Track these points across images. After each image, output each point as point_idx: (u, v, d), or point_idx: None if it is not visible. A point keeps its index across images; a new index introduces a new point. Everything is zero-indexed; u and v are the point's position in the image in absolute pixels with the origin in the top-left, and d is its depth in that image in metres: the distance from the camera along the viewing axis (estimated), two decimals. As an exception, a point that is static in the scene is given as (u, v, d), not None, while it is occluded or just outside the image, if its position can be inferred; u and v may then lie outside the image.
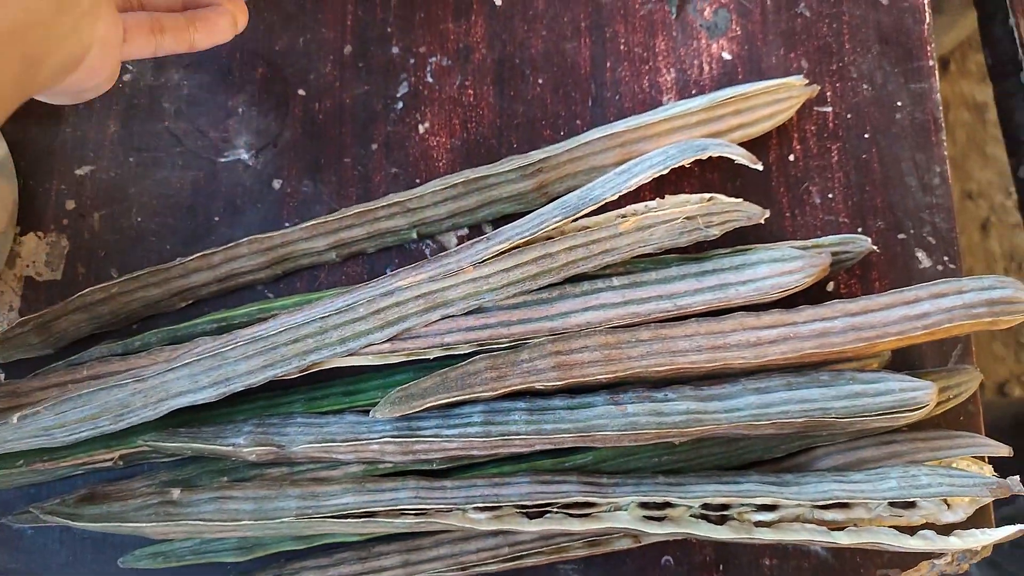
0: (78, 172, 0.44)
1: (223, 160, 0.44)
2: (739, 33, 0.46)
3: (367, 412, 0.36)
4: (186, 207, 0.43)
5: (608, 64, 0.46)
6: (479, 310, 0.37)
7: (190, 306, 0.42)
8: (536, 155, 0.42)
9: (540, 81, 0.45)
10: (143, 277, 0.41)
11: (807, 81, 0.44)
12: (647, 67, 0.46)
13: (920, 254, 0.44)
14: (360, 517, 0.35)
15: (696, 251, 0.43)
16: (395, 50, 0.45)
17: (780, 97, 0.43)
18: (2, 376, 0.42)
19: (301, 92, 0.45)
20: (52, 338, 0.40)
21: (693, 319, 0.38)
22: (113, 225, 0.43)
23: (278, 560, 0.39)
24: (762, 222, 0.40)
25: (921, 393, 0.36)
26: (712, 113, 0.42)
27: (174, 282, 0.41)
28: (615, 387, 0.38)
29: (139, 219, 0.43)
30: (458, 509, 0.35)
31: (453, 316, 0.37)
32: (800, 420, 0.35)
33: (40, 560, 0.40)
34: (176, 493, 0.35)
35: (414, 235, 0.42)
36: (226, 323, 0.39)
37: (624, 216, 0.39)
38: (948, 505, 0.38)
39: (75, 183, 0.44)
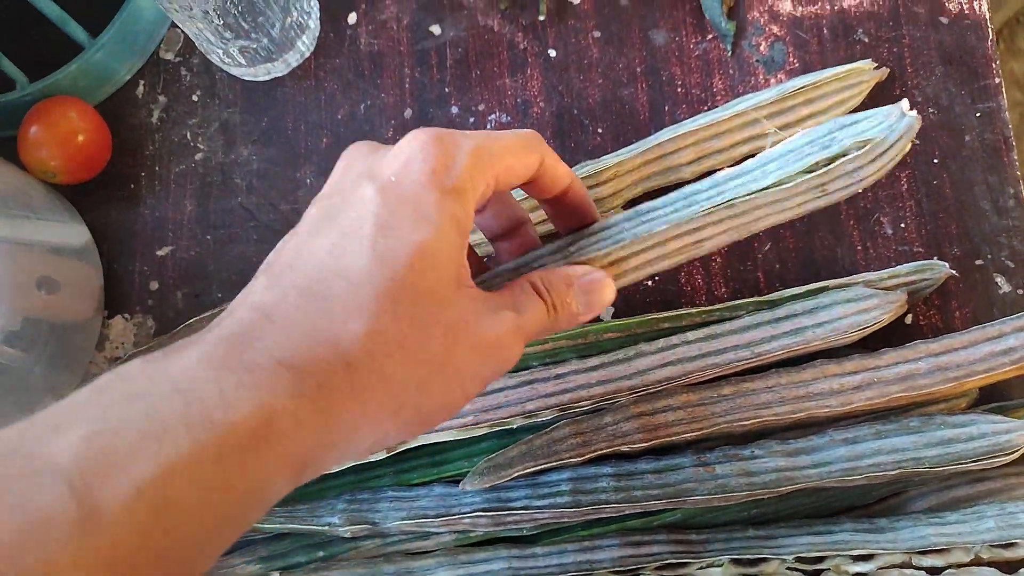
0: (159, 253, 0.45)
1: (295, 231, 0.45)
2: (797, 65, 0.46)
3: (455, 482, 0.37)
4: (263, 280, 0.44)
5: (666, 108, 0.45)
6: (557, 375, 0.38)
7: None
8: (609, 159, 0.42)
9: (600, 130, 0.45)
10: None
11: (876, 64, 0.43)
12: (706, 108, 0.45)
13: (999, 279, 0.43)
14: (456, 589, 0.35)
15: (768, 290, 0.43)
16: (455, 110, 0.46)
17: (851, 83, 0.43)
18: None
19: (365, 159, 0.46)
20: None
21: (774, 370, 0.38)
22: (196, 303, 0.45)
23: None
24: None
25: (1016, 435, 0.35)
26: (783, 104, 0.42)
27: None
28: (700, 442, 0.38)
29: (219, 295, 0.45)
30: (552, 577, 0.35)
31: (534, 382, 0.37)
32: (893, 472, 0.35)
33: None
34: (277, 576, 0.36)
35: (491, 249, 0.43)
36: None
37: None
38: (1049, 541, 0.37)
39: (157, 263, 0.45)
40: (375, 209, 0.24)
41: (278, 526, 0.37)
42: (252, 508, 0.21)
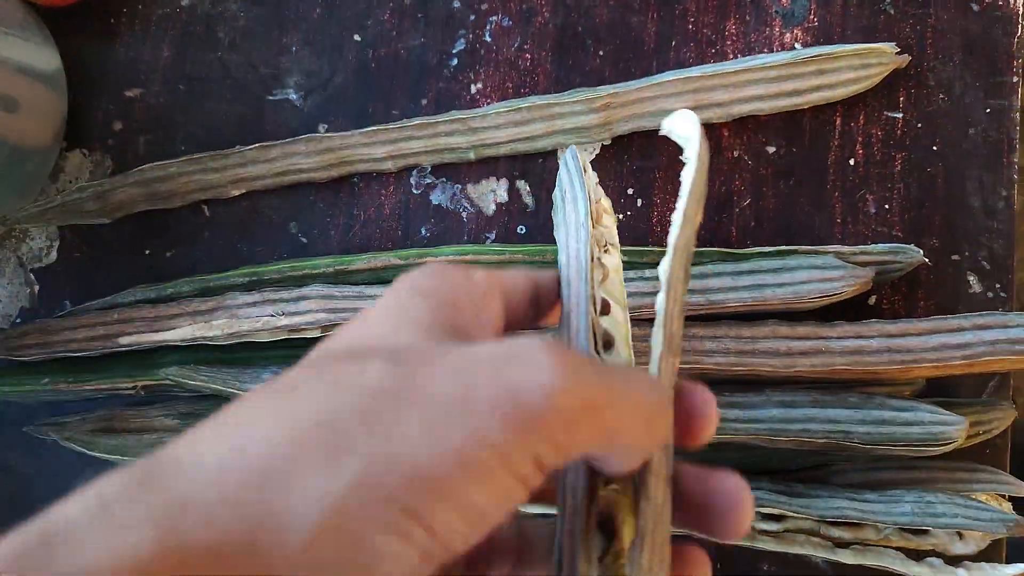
0: (128, 94, 0.44)
1: (271, 98, 0.43)
2: (816, 24, 0.44)
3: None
4: (229, 142, 0.43)
5: (673, 43, 0.44)
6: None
7: (242, 196, 0.43)
8: (605, 89, 0.41)
9: (601, 53, 0.44)
10: (203, 160, 0.42)
11: (899, 50, 0.42)
12: (713, 51, 0.44)
13: (972, 279, 0.42)
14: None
15: (739, 246, 0.42)
16: (457, 4, 0.44)
17: (869, 62, 0.41)
18: (56, 243, 0.43)
19: (357, 37, 0.44)
20: (108, 207, 0.42)
21: (724, 322, 0.37)
22: (158, 151, 0.43)
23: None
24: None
25: (951, 428, 0.35)
26: (793, 70, 0.41)
27: (232, 169, 0.41)
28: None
29: (183, 147, 0.43)
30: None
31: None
32: (821, 440, 0.34)
33: (60, 466, 0.42)
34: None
35: (472, 155, 0.42)
36: (257, 278, 0.39)
37: None
38: (961, 536, 0.37)
39: (124, 104, 0.44)
40: None
41: (201, 384, 0.37)
42: None
